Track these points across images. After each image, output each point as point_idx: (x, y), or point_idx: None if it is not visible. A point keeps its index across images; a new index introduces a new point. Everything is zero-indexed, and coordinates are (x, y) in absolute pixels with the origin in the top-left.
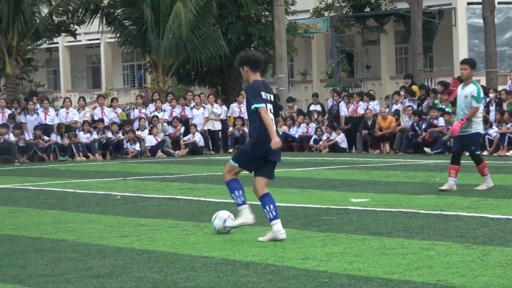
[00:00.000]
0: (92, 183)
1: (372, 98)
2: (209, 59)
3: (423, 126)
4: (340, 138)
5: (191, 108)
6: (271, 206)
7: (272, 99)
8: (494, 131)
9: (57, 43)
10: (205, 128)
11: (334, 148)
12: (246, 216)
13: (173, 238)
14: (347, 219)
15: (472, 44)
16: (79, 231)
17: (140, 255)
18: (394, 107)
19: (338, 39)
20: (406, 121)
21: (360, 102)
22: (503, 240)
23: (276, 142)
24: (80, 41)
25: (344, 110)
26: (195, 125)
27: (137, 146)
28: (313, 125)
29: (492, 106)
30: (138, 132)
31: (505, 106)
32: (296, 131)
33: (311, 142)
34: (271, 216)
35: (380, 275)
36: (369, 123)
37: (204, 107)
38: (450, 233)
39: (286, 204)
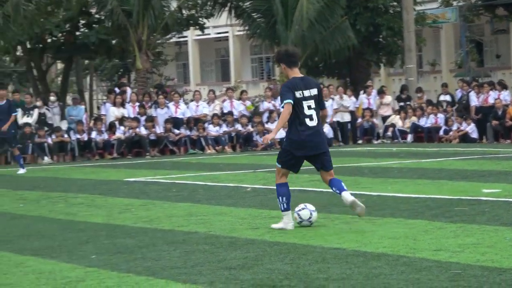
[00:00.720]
0: (222, 176)
1: (504, 87)
2: (338, 51)
3: None
4: (471, 128)
5: None
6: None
7: (315, 93)
8: None
9: (186, 36)
10: (334, 119)
11: (465, 138)
12: (286, 222)
13: (304, 230)
14: (479, 209)
15: None
16: (211, 224)
17: (271, 247)
18: None
19: (467, 29)
20: None
21: (491, 92)
22: None
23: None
24: (209, 34)
25: (475, 100)
26: None
27: None
28: (441, 116)
29: None
30: (267, 125)
31: None
32: (425, 122)
33: (441, 132)
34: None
35: None
36: (500, 112)
37: (332, 99)
38: None
39: (417, 195)
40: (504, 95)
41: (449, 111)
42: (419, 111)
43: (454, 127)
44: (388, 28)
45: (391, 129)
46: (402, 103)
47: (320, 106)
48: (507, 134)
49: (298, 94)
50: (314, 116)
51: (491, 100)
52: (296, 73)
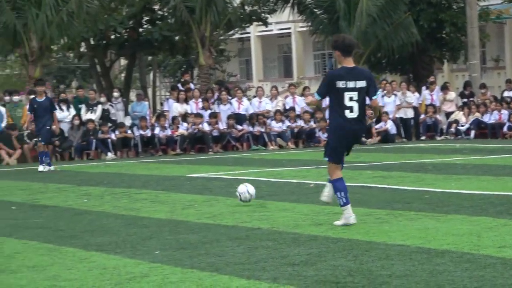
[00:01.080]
0: (285, 172)
1: None
2: (401, 46)
3: None
4: None
5: (382, 96)
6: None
7: (361, 85)
8: None
9: (249, 33)
10: (397, 115)
11: None
12: (347, 217)
13: (367, 226)
14: None
15: None
16: (274, 220)
17: (334, 243)
18: None
19: None
20: None
21: None
22: None
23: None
24: (272, 30)
25: None
26: (386, 113)
27: None
28: (505, 112)
29: None
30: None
31: None
32: (489, 118)
33: (505, 128)
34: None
35: None
36: None
37: (395, 95)
38: None
39: (481, 191)
40: None
41: None
42: (482, 107)
43: None
44: (451, 24)
45: (454, 125)
46: (465, 99)
47: (369, 96)
48: None
49: (340, 84)
50: (355, 108)
51: None
52: (349, 62)
